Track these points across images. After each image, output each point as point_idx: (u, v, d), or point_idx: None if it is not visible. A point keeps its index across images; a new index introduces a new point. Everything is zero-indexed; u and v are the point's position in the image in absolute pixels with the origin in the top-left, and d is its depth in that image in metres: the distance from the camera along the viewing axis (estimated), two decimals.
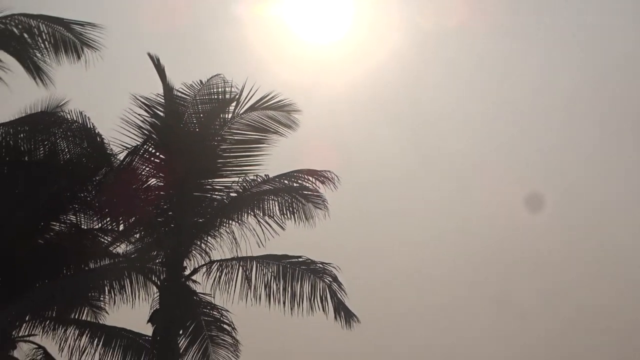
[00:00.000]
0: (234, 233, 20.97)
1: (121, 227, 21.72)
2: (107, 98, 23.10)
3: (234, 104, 21.30)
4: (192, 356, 21.15)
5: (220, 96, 21.31)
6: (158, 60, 20.99)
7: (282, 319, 21.53)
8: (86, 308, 22.15)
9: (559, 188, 59.76)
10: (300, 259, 20.78)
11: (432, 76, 61.08)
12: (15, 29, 20.13)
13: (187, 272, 21.01)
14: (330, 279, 20.46)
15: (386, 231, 54.99)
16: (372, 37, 49.03)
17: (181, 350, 20.93)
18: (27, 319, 21.42)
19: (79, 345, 21.89)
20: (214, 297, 21.17)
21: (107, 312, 22.34)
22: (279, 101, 21.12)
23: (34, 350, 22.87)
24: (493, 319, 50.06)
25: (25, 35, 20.30)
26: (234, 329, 21.34)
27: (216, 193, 21.60)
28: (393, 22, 53.37)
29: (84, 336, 21.88)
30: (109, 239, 22.22)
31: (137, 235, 21.70)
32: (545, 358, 52.39)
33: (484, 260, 54.60)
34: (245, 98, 21.13)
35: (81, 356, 22.01)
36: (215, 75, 21.36)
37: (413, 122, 60.52)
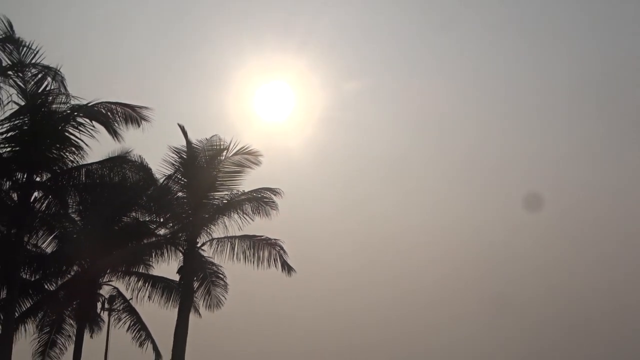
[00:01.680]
0: (225, 223, 25.05)
1: (161, 220, 25.36)
2: (154, 147, 26.16)
3: (225, 151, 24.67)
4: (201, 292, 24.73)
5: (217, 146, 24.71)
6: (183, 127, 24.74)
7: (252, 272, 24.92)
8: (142, 265, 25.43)
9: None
10: (262, 237, 24.87)
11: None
12: (102, 110, 21.15)
13: (198, 245, 24.75)
14: (279, 248, 24.64)
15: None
16: (306, 116, 49.61)
17: (195, 289, 24.54)
18: (107, 271, 25.50)
19: (137, 287, 25.57)
20: (214, 259, 25.01)
21: (153, 267, 25.54)
22: (251, 150, 24.59)
23: (112, 289, 26.50)
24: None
25: (109, 113, 21.20)
26: (225, 277, 25.07)
27: (215, 200, 25.04)
28: (316, 106, 51.72)
29: (140, 281, 25.58)
30: (155, 226, 25.38)
31: (171, 224, 25.27)
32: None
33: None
34: (232, 147, 24.55)
35: (138, 293, 25.62)
36: (214, 135, 24.99)
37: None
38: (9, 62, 19.57)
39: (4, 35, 19.15)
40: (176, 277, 25.22)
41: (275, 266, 24.58)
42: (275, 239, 24.80)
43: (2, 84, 19.64)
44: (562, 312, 44.38)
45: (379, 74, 65.62)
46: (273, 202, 24.82)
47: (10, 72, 19.71)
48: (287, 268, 24.60)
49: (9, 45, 19.30)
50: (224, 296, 25.21)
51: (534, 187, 50.34)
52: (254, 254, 24.50)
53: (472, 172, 57.51)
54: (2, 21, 18.93)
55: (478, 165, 57.46)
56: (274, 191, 24.91)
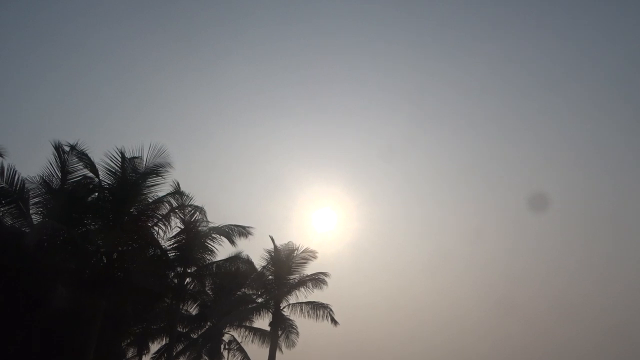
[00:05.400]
0: (296, 294, 25.53)
1: (259, 293, 25.99)
2: (255, 248, 26.57)
3: (296, 250, 25.73)
4: (282, 337, 24.85)
5: (291, 248, 25.77)
6: (272, 237, 25.93)
7: (312, 324, 25.08)
8: (247, 321, 25.83)
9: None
10: (319, 302, 25.22)
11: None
12: (226, 229, 21.89)
13: (281, 308, 25.26)
14: (329, 309, 24.97)
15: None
16: (346, 228, 44.60)
17: (279, 336, 24.73)
18: (227, 325, 25.82)
19: (245, 334, 26.03)
20: (290, 316, 25.36)
21: (254, 321, 26.00)
22: (311, 250, 25.82)
23: (230, 336, 26.55)
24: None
25: (229, 231, 21.88)
26: (296, 327, 25.31)
27: (291, 280, 25.57)
28: (353, 217, 47.09)
29: (246, 331, 25.92)
30: (255, 297, 25.99)
31: (264, 295, 25.78)
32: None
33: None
34: (299, 248, 25.79)
35: (245, 338, 25.93)
36: (289, 242, 26.04)
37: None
38: (176, 204, 19.96)
39: (174, 191, 19.48)
40: (267, 328, 25.27)
41: (327, 320, 24.73)
42: (327, 304, 25.05)
43: (172, 217, 19.58)
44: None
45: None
46: (324, 281, 25.31)
47: (176, 210, 20.07)
48: (334, 321, 24.84)
49: (177, 196, 19.72)
50: (296, 339, 25.25)
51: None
52: (314, 313, 24.77)
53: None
54: (175, 183, 19.52)
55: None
56: (325, 274, 25.43)
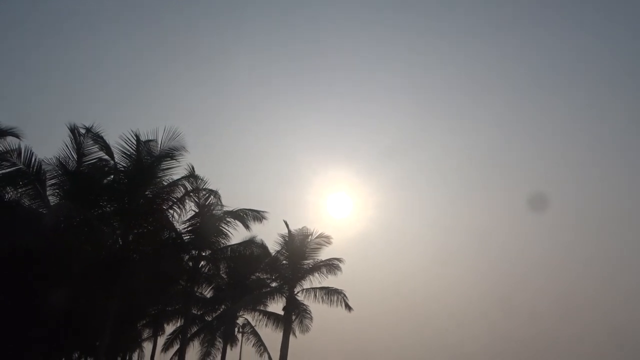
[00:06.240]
0: (310, 279, 25.59)
1: (273, 277, 26.10)
2: (269, 233, 26.29)
3: (310, 236, 25.76)
4: (296, 322, 24.96)
5: (305, 233, 25.80)
6: (286, 222, 25.96)
7: (327, 309, 25.24)
8: (261, 305, 26.01)
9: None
10: (332, 287, 25.27)
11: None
12: (240, 213, 21.96)
13: (295, 292, 25.39)
14: (343, 294, 25.03)
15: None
16: (359, 215, 45.47)
17: (293, 320, 24.90)
18: (241, 308, 25.98)
19: (259, 318, 26.24)
20: (304, 301, 25.39)
21: (268, 306, 26.20)
22: (326, 236, 25.82)
23: (244, 320, 27.00)
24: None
25: (244, 215, 22.02)
26: (310, 312, 25.29)
27: (305, 265, 25.67)
28: (368, 206, 47.45)
29: (260, 315, 26.11)
30: (269, 281, 26.13)
31: (278, 280, 25.90)
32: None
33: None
34: (314, 233, 25.81)
35: (259, 322, 26.17)
36: (304, 227, 26.12)
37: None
38: (191, 188, 20.08)
39: (189, 174, 19.45)
40: (281, 312, 25.54)
41: (340, 306, 24.88)
42: (340, 289, 25.19)
43: (187, 200, 19.65)
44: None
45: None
46: (339, 266, 25.41)
47: (191, 194, 20.26)
48: (348, 307, 24.95)
49: (191, 179, 19.85)
50: (310, 324, 25.31)
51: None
52: (328, 298, 24.90)
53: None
54: (190, 166, 19.45)
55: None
56: (339, 260, 25.50)
